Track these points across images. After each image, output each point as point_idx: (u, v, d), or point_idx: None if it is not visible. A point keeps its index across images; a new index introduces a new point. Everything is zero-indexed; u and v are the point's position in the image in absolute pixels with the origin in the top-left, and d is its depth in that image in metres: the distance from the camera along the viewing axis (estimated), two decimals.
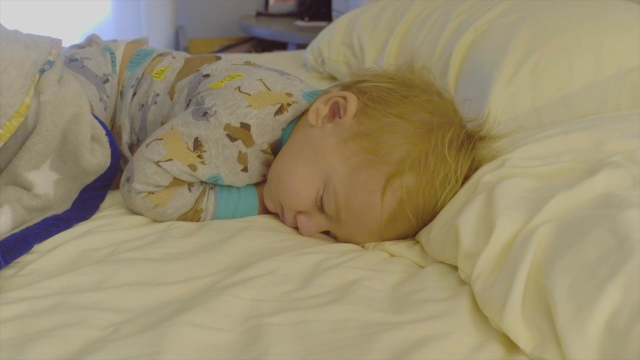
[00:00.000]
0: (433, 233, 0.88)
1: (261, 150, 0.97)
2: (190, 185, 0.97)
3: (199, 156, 0.94)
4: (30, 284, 0.77)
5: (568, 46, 1.22)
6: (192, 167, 0.94)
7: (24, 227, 0.89)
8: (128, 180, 0.95)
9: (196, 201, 0.97)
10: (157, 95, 1.07)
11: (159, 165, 0.93)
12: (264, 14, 3.32)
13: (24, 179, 0.91)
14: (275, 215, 1.01)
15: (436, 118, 0.92)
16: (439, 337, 0.69)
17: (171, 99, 1.06)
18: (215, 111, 0.94)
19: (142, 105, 1.08)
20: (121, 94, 1.11)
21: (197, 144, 0.94)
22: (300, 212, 0.95)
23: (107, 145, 0.98)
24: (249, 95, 0.95)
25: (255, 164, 0.98)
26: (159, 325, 0.68)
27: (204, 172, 0.95)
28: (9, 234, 0.87)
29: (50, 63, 0.93)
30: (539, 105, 1.18)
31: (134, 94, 1.09)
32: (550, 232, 0.75)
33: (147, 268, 0.82)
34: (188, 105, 1.02)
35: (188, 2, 3.21)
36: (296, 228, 0.97)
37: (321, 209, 0.93)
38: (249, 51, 3.12)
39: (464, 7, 1.48)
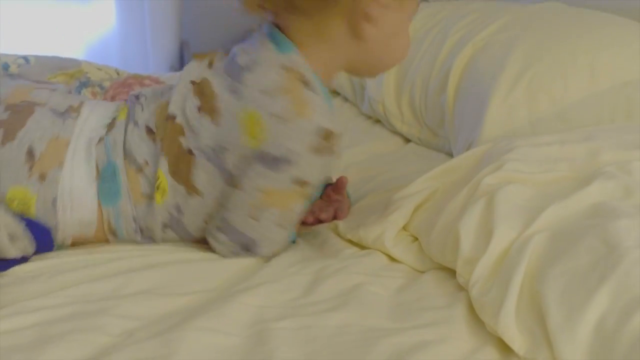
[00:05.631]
0: (434, 235, 0.91)
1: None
2: None
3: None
4: (48, 292, 0.80)
5: (563, 61, 1.25)
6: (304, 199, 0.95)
7: None
8: (247, 249, 0.94)
9: None
10: (179, 206, 0.96)
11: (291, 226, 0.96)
12: None
13: None
14: None
15: None
16: (436, 342, 0.72)
17: (201, 196, 0.95)
18: (291, 149, 0.89)
19: (165, 225, 0.98)
20: None
21: (301, 183, 0.92)
22: None
23: (30, 235, 0.90)
24: (294, 111, 0.89)
25: None
26: (171, 330, 0.72)
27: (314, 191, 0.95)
28: None
29: None
30: (535, 119, 1.21)
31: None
32: (544, 241, 0.78)
33: (160, 276, 0.86)
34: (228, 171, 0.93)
35: (192, 16, 3.25)
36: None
37: None
38: None
39: (463, 23, 1.51)
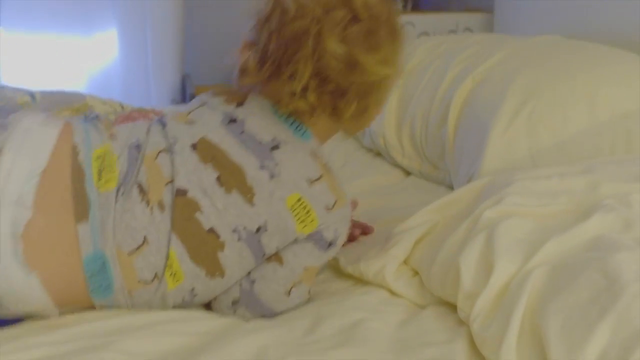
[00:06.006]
0: (434, 269, 0.91)
1: None
2: None
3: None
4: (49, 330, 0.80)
5: (563, 95, 1.26)
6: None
7: None
8: (264, 316, 0.90)
9: None
10: (195, 290, 0.87)
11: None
12: None
13: None
14: None
15: None
16: None
17: (223, 276, 0.87)
18: (340, 233, 0.93)
19: (174, 307, 0.89)
20: None
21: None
22: None
23: None
24: (336, 198, 0.91)
25: None
26: None
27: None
28: None
29: None
30: (535, 151, 1.21)
31: None
32: (544, 275, 0.78)
33: (161, 317, 0.85)
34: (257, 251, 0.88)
35: (194, 50, 3.28)
36: None
37: None
38: None
39: (463, 56, 1.52)
